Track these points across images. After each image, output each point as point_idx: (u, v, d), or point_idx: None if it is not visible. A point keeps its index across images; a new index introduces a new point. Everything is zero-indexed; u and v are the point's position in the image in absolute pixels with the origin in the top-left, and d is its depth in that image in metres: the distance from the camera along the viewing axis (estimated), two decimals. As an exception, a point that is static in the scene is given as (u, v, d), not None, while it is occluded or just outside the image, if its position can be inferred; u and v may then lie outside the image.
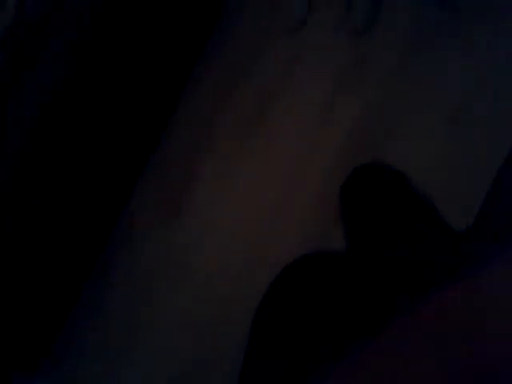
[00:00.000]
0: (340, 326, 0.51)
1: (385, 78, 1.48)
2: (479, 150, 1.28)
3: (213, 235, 1.65)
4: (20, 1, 1.53)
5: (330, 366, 0.29)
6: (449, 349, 0.24)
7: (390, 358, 0.26)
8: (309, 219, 1.47)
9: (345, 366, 0.28)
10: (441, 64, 1.42)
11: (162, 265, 1.72)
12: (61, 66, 1.59)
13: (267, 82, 1.69)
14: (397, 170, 0.89)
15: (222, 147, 1.73)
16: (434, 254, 0.59)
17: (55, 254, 1.71)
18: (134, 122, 1.80)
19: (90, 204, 1.76)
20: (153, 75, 1.80)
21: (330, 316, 0.56)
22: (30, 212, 1.63)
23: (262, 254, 1.50)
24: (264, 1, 1.80)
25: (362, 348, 0.28)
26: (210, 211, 1.69)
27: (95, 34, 1.62)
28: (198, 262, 1.65)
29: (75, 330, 1.81)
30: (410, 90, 1.44)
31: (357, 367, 0.27)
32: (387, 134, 1.43)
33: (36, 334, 1.77)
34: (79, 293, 1.82)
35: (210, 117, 1.79)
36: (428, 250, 0.65)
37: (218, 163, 1.73)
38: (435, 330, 0.26)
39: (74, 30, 1.62)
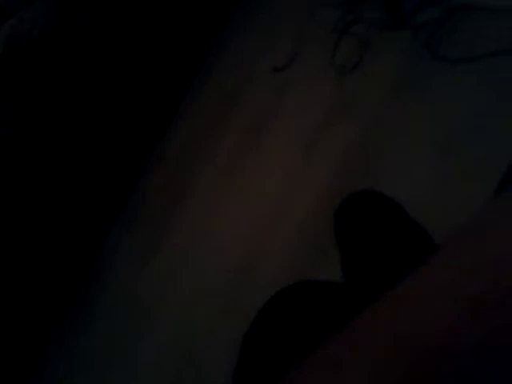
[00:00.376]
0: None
1: (372, 111, 1.51)
2: (469, 178, 1.30)
3: (207, 244, 1.66)
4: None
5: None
6: None
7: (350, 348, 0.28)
8: (300, 237, 1.48)
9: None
10: (427, 102, 1.45)
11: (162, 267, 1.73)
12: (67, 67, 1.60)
13: (257, 111, 1.72)
14: (391, 198, 0.91)
15: (218, 163, 1.75)
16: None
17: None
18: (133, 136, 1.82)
19: (93, 194, 1.76)
20: (145, 101, 1.82)
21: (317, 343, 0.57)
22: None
23: (253, 267, 1.52)
24: (257, 34, 1.83)
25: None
26: (203, 222, 1.71)
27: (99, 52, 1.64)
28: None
29: (69, 333, 1.81)
30: (397, 122, 1.47)
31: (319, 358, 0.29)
32: (375, 162, 1.45)
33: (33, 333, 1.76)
34: (74, 296, 1.83)
35: (202, 141, 1.81)
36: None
37: (210, 183, 1.74)
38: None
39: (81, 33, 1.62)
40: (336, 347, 0.30)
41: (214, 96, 1.85)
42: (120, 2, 1.62)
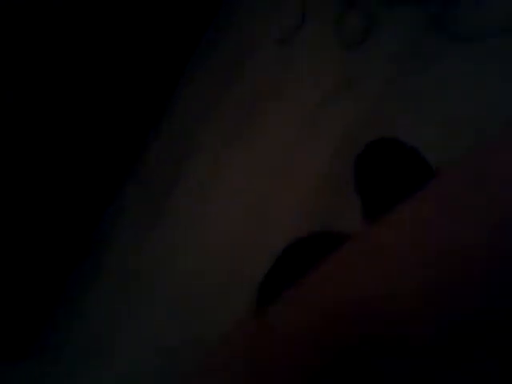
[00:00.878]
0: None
1: (377, 86, 1.50)
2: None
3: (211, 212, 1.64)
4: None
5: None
6: None
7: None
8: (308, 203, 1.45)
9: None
10: (433, 78, 1.43)
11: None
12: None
13: (257, 87, 1.70)
14: (409, 145, 0.89)
15: (226, 125, 1.72)
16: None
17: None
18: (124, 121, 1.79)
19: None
20: (148, 70, 1.79)
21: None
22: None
23: (258, 242, 1.49)
24: (259, 8, 1.81)
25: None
26: (203, 198, 1.68)
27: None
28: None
29: (62, 316, 1.78)
30: (402, 97, 1.45)
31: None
32: (387, 126, 1.42)
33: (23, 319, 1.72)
34: (66, 278, 1.79)
35: (201, 118, 1.79)
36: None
37: (218, 138, 1.72)
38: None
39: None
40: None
41: (217, 67, 1.83)
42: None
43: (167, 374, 1.44)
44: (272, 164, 1.57)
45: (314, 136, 1.53)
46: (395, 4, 1.53)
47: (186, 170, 1.72)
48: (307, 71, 1.62)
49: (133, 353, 1.58)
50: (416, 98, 1.43)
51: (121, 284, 1.70)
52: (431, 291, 0.23)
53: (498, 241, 0.22)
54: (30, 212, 1.63)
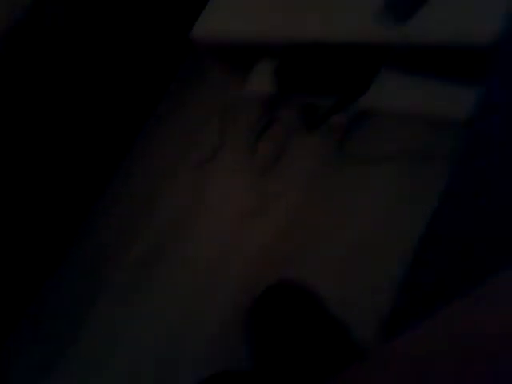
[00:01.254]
0: None
1: (287, 210, 1.57)
2: (378, 277, 1.34)
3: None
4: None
5: None
6: None
7: None
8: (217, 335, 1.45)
9: None
10: (341, 197, 1.51)
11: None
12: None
13: (177, 207, 1.75)
14: (307, 289, 0.92)
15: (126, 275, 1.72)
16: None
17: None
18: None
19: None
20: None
21: None
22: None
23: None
24: (171, 138, 1.90)
25: None
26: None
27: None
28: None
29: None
30: (310, 222, 1.52)
31: None
32: (291, 261, 1.47)
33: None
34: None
35: (120, 243, 1.79)
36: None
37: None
38: None
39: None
40: None
41: (134, 193, 1.85)
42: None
43: None
44: (183, 300, 1.58)
45: (222, 271, 1.56)
46: (304, 131, 1.63)
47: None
48: (218, 201, 1.69)
49: None
50: (322, 228, 1.49)
51: None
52: None
53: None
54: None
